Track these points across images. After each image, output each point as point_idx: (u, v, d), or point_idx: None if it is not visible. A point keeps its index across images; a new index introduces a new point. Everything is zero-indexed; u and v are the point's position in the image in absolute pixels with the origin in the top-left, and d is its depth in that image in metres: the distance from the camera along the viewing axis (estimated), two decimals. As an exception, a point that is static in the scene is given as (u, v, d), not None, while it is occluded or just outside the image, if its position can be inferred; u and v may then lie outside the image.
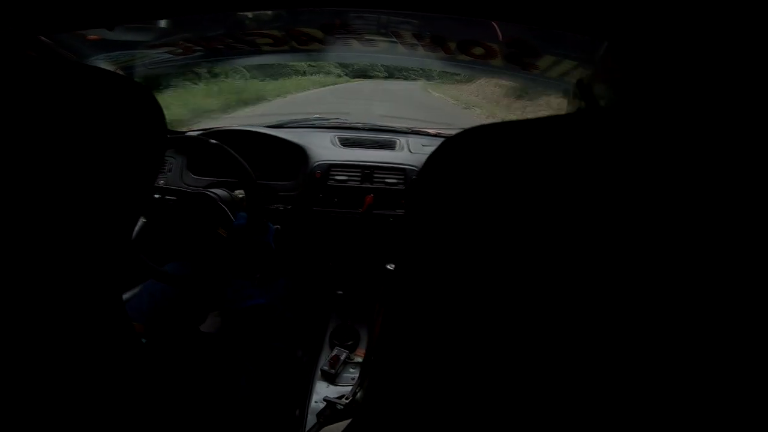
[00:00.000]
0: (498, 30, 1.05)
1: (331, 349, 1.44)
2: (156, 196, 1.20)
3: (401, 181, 1.48)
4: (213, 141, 1.24)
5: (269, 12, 1.14)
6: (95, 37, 0.96)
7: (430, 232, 0.31)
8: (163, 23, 1.03)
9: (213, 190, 1.25)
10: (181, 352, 0.92)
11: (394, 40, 1.21)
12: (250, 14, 1.14)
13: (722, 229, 0.23)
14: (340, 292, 1.54)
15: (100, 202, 0.41)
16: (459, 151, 0.32)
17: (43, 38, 0.80)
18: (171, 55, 1.27)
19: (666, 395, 0.25)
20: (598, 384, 0.26)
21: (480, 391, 0.29)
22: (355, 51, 1.33)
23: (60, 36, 0.85)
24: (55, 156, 0.37)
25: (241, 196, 1.31)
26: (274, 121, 1.80)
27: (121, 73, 1.24)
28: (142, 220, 1.18)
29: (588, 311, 0.26)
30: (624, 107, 0.31)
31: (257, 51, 1.36)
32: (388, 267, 1.17)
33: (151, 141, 0.46)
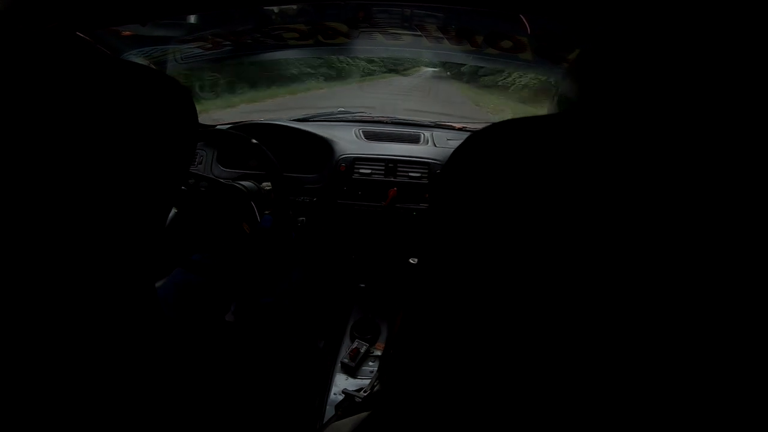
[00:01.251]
0: (527, 23, 1.03)
1: (352, 341, 1.45)
2: (190, 181, 1.23)
3: (425, 175, 1.47)
4: (241, 134, 1.26)
5: (295, 7, 1.16)
6: (129, 33, 0.99)
7: (455, 226, 0.31)
8: (193, 19, 1.05)
9: (242, 183, 1.28)
10: (205, 339, 0.94)
11: (419, 33, 1.20)
12: (276, 9, 1.15)
13: (729, 228, 0.23)
14: (362, 285, 1.54)
15: (134, 193, 0.43)
16: (485, 145, 0.32)
17: (81, 35, 0.84)
18: (201, 50, 1.30)
19: (674, 393, 0.25)
20: (613, 379, 0.26)
21: (498, 386, 0.29)
22: (379, 44, 1.33)
23: (97, 32, 0.89)
24: (92, 147, 0.39)
25: (268, 188, 1.33)
26: (300, 115, 1.81)
27: (154, 67, 1.28)
28: (173, 210, 1.22)
29: (610, 304, 0.26)
30: (640, 103, 0.31)
31: (284, 45, 1.38)
32: (411, 261, 1.17)
33: (184, 133, 0.47)
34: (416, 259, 1.18)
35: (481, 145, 0.32)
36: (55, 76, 0.38)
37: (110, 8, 0.74)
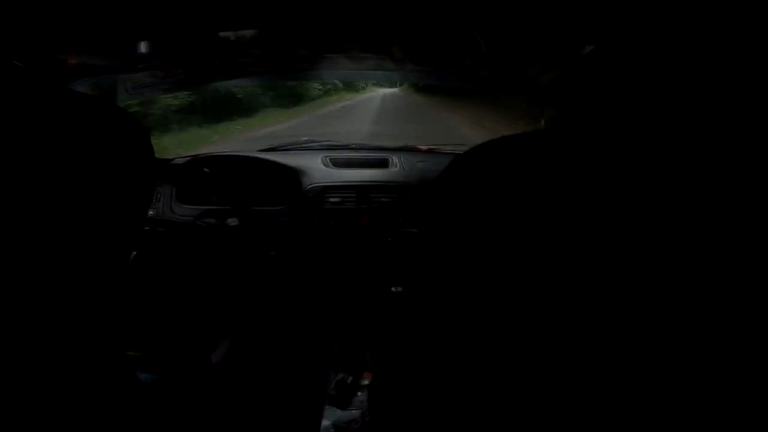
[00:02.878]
0: (482, 42, 1.05)
1: (337, 373, 1.37)
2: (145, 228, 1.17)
3: (397, 200, 1.46)
4: (198, 166, 1.20)
5: (252, 32, 1.12)
6: (75, 61, 0.92)
7: (451, 248, 0.31)
8: (144, 45, 1.00)
9: (204, 220, 1.21)
10: (192, 388, 0.88)
11: (383, 56, 1.20)
12: (233, 35, 1.12)
13: (725, 229, 0.24)
14: (342, 316, 1.48)
15: (89, 235, 0.38)
16: (474, 166, 0.32)
17: (17, 63, 0.76)
18: (153, 79, 1.24)
19: (674, 392, 0.25)
20: (615, 382, 0.26)
21: (497, 411, 0.29)
22: (343, 68, 1.31)
23: (35, 60, 0.82)
24: (40, 187, 0.34)
25: (233, 224, 1.27)
26: (263, 145, 1.77)
27: (102, 98, 1.20)
28: (133, 253, 1.13)
29: (614, 319, 0.26)
30: (621, 113, 0.31)
31: (243, 73, 1.34)
32: (393, 290, 1.14)
33: (140, 170, 0.43)
34: (399, 288, 1.17)
35: (469, 166, 0.33)
36: None
37: (50, 32, 0.68)
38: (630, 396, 0.26)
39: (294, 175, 1.50)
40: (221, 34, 1.05)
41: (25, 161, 0.34)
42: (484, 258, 0.29)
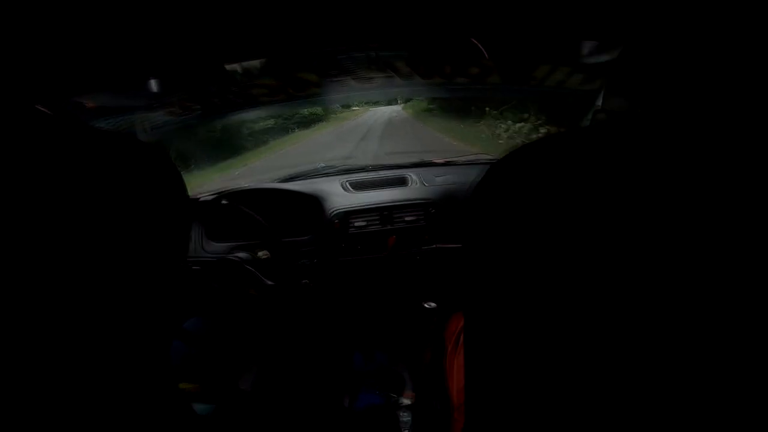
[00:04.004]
0: (482, 47, 1.04)
1: (380, 396, 1.38)
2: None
3: (421, 218, 1.44)
4: (226, 202, 1.22)
5: (259, 63, 1.15)
6: (93, 104, 0.96)
7: (505, 259, 0.31)
8: (160, 83, 1.03)
9: (236, 254, 1.22)
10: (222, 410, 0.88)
11: (390, 73, 1.20)
12: (243, 67, 1.14)
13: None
14: (374, 338, 1.48)
15: (137, 280, 0.37)
16: (517, 171, 0.31)
17: (40, 108, 0.79)
18: (171, 117, 1.27)
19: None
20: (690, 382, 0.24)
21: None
22: (353, 89, 1.32)
23: (58, 105, 0.85)
24: (83, 231, 0.32)
25: (265, 257, 1.27)
26: (283, 174, 1.79)
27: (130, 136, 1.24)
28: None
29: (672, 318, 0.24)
30: (659, 109, 0.32)
31: (255, 103, 1.37)
32: (426, 306, 1.12)
33: (178, 209, 0.41)
34: (432, 304, 1.15)
35: (513, 172, 0.32)
36: (20, 156, 0.32)
37: (69, 73, 0.70)
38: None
39: (316, 202, 1.50)
40: (231, 66, 1.08)
41: (69, 211, 0.32)
42: (547, 266, 0.28)
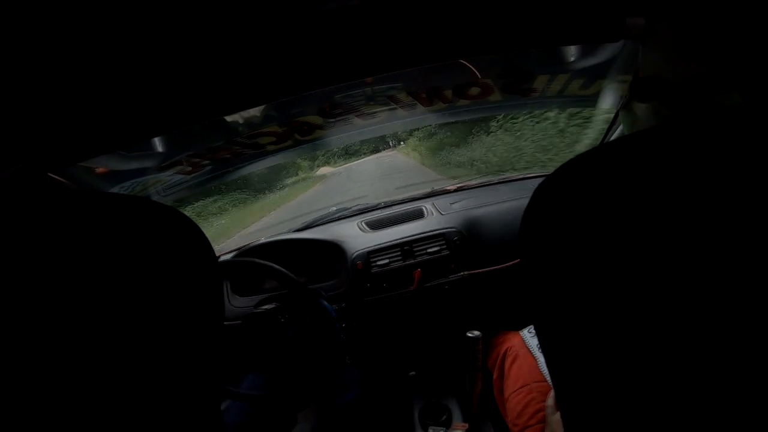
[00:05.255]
0: (472, 67, 1.04)
1: (425, 429, 1.33)
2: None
3: (444, 247, 1.42)
4: (247, 259, 1.22)
5: (260, 113, 1.16)
6: (103, 170, 0.97)
7: (572, 276, 0.31)
8: (166, 142, 1.04)
9: (264, 307, 1.21)
10: None
11: (393, 105, 1.20)
12: (242, 120, 1.16)
13: None
14: (412, 373, 1.41)
15: (175, 347, 0.36)
16: (573, 185, 0.32)
17: (53, 175, 0.80)
18: (182, 176, 1.29)
19: None
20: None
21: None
22: (359, 127, 1.33)
23: (68, 173, 0.86)
24: (107, 312, 0.32)
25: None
26: (299, 224, 1.79)
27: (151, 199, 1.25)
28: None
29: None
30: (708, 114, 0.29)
31: (263, 153, 1.38)
32: (470, 335, 1.10)
33: (207, 269, 0.41)
34: (476, 332, 1.11)
35: (566, 189, 0.32)
36: (34, 227, 0.31)
37: (77, 141, 0.71)
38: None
39: (336, 247, 1.49)
40: (233, 117, 1.09)
41: (106, 284, 0.32)
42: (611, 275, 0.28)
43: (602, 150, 0.32)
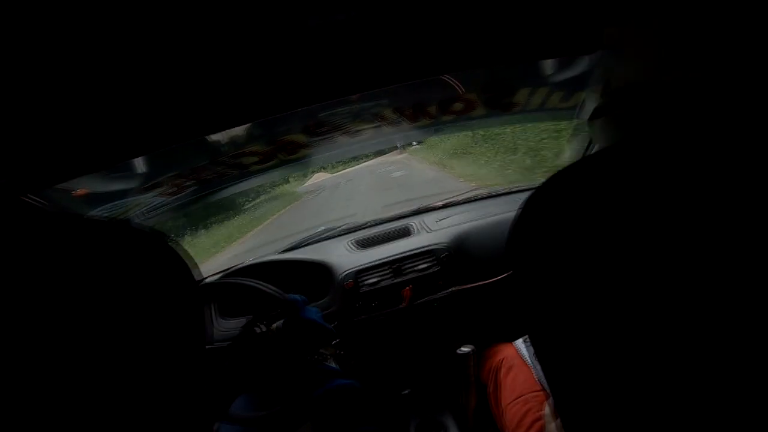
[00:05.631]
0: (453, 82, 1.05)
1: None
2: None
3: (433, 264, 1.43)
4: (225, 280, 1.20)
5: (244, 133, 1.15)
6: (82, 191, 0.94)
7: (563, 287, 0.31)
8: (147, 165, 1.02)
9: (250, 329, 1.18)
10: None
11: (378, 122, 1.21)
12: (225, 140, 1.15)
13: None
14: (406, 392, 1.43)
15: (160, 368, 0.35)
16: (560, 197, 0.33)
17: (31, 198, 0.77)
18: (164, 198, 1.26)
19: None
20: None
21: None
22: (344, 145, 1.33)
23: (48, 195, 0.83)
24: (83, 338, 0.31)
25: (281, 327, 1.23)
26: (285, 245, 1.78)
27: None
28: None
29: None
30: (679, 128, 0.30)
31: (248, 173, 1.36)
32: (462, 350, 1.10)
33: (186, 293, 0.40)
34: (468, 347, 1.11)
35: (553, 202, 0.33)
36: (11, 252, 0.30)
37: (54, 161, 0.69)
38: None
39: (324, 267, 1.49)
40: (216, 137, 1.08)
41: (82, 307, 0.31)
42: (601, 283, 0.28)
43: (586, 162, 0.32)
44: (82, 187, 0.93)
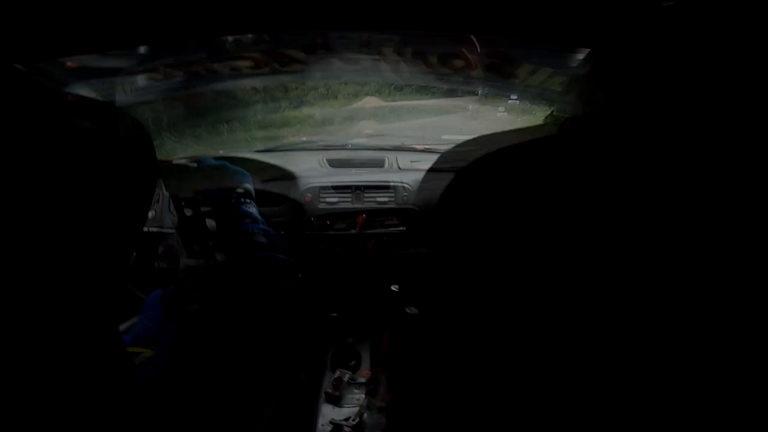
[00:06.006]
0: (477, 42, 1.07)
1: (333, 371, 1.43)
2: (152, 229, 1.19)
3: (392, 199, 1.50)
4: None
5: (250, 35, 1.15)
6: (74, 64, 0.94)
7: (461, 254, 0.31)
8: (143, 49, 1.02)
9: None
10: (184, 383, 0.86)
11: (377, 57, 1.22)
12: (231, 38, 1.14)
13: (720, 227, 0.24)
14: (334, 315, 1.52)
15: (90, 237, 0.39)
16: (478, 181, 0.32)
17: (18, 66, 0.78)
18: (152, 81, 1.25)
19: (681, 394, 0.25)
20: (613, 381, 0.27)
21: (504, 404, 0.31)
22: (337, 70, 1.33)
23: (37, 64, 0.83)
24: (39, 186, 0.35)
25: None
26: (261, 146, 1.78)
27: (101, 100, 1.22)
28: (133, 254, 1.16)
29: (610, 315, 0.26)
30: (618, 110, 0.32)
31: (238, 74, 1.36)
32: (393, 288, 1.17)
33: (141, 171, 0.44)
34: (397, 286, 1.19)
35: (476, 180, 0.32)
36: None
37: (58, 38, 0.70)
38: (634, 395, 0.26)
39: (290, 176, 1.52)
40: (219, 38, 1.07)
41: (26, 164, 0.34)
42: (498, 268, 0.29)
43: (519, 149, 0.33)
44: (76, 60, 0.93)
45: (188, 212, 1.30)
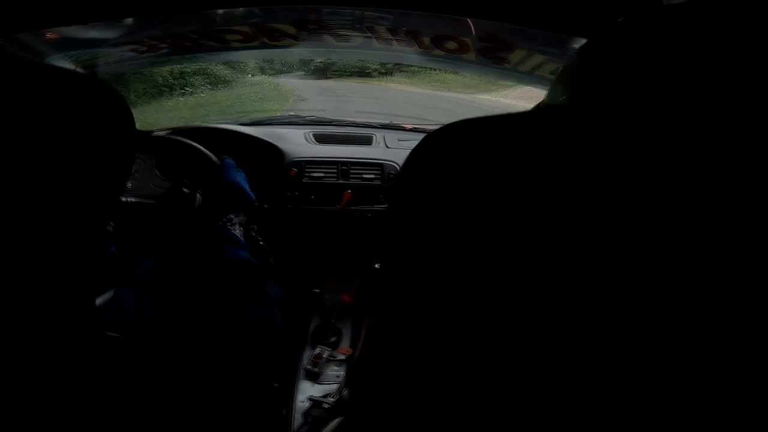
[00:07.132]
0: (472, 25, 1.06)
1: (313, 347, 1.43)
2: (130, 200, 1.18)
3: (378, 176, 1.50)
4: (178, 138, 1.20)
5: (241, 9, 1.11)
6: (54, 36, 0.90)
7: (415, 227, 0.31)
8: (128, 21, 0.98)
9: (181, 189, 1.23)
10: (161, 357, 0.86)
11: (369, 35, 1.20)
12: (220, 11, 1.10)
13: (708, 224, 0.23)
14: (317, 291, 1.51)
15: (66, 207, 0.40)
16: (441, 146, 0.32)
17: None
18: (135, 53, 1.21)
19: (660, 394, 0.24)
20: (591, 383, 0.26)
21: (472, 388, 0.29)
22: (328, 46, 1.31)
23: (14, 35, 0.80)
24: (15, 160, 0.35)
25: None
26: (248, 119, 1.76)
27: (82, 71, 1.18)
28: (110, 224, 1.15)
29: (575, 308, 0.25)
30: (603, 101, 0.30)
31: (226, 48, 1.32)
32: (377, 266, 1.17)
33: (119, 141, 0.44)
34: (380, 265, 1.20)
35: (437, 145, 0.33)
36: None
37: (36, 10, 0.67)
38: (622, 396, 0.25)
39: (275, 149, 1.51)
40: (207, 10, 1.04)
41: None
42: (446, 238, 0.29)
43: (488, 121, 0.31)
44: (56, 32, 0.89)
45: (169, 186, 1.29)
